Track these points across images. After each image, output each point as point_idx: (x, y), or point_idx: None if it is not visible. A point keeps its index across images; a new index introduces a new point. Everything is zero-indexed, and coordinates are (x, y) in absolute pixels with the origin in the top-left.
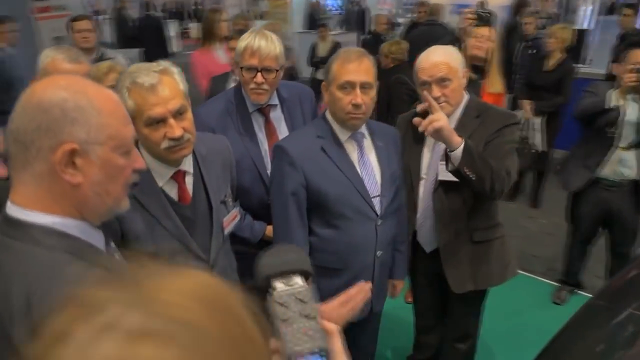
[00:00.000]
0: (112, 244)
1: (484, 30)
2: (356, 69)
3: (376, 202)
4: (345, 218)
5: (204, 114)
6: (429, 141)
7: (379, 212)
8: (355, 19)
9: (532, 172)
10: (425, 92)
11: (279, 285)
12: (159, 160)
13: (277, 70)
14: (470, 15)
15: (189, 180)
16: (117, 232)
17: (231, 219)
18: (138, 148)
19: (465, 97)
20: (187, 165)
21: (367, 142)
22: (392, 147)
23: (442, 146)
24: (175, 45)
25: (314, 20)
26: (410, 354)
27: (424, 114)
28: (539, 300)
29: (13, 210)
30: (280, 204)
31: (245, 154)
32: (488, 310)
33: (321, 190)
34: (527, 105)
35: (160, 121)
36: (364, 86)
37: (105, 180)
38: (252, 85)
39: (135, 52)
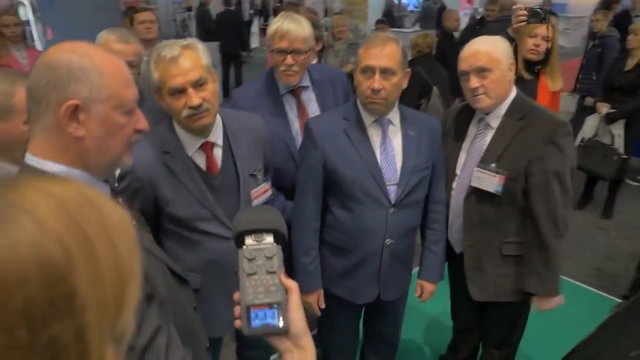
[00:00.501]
0: (120, 200)
1: (541, 29)
2: (378, 53)
3: (392, 190)
4: (357, 201)
5: (238, 96)
6: (470, 134)
7: (392, 200)
8: (435, 16)
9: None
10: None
11: (249, 241)
12: (188, 131)
13: (306, 52)
14: (522, 12)
15: (217, 152)
16: (151, 197)
17: (261, 192)
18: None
19: (512, 94)
20: (215, 137)
21: (394, 129)
22: (426, 138)
23: (480, 146)
24: (257, 41)
25: (391, 18)
26: (444, 354)
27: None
28: (596, 314)
29: (29, 159)
30: (301, 178)
31: (277, 135)
32: (539, 321)
33: (337, 170)
34: (602, 107)
35: (181, 91)
36: (385, 71)
37: (105, 136)
38: (283, 67)
39: (213, 45)
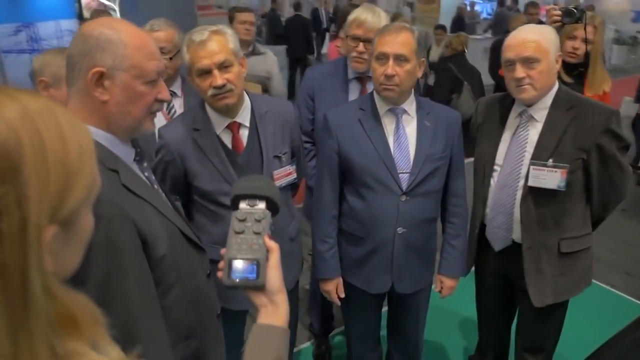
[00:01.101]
0: (145, 164)
1: (580, 31)
2: (392, 40)
3: (404, 178)
4: (369, 188)
5: (311, 72)
6: (510, 127)
7: (404, 188)
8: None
9: None
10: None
11: (243, 205)
12: (216, 111)
13: None
14: (555, 12)
15: (243, 132)
16: (181, 170)
17: (284, 174)
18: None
19: (556, 85)
20: (242, 118)
21: (408, 119)
22: (443, 129)
23: (524, 139)
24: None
25: (462, 24)
26: (472, 354)
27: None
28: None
29: None
30: (318, 167)
31: None
32: (569, 326)
33: (350, 158)
34: None
35: (207, 72)
36: (399, 58)
37: (127, 102)
38: (354, 54)
39: (281, 48)
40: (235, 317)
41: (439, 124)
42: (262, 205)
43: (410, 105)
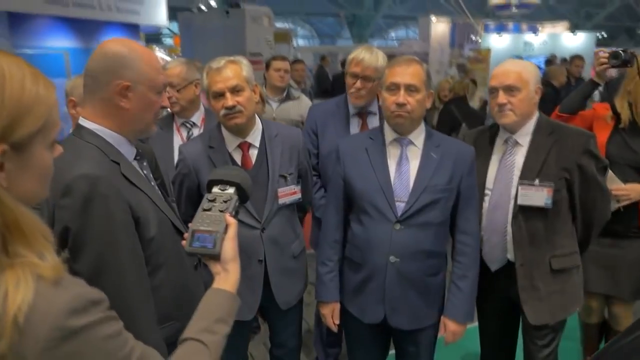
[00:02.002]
0: (145, 163)
1: (631, 75)
2: (402, 71)
3: (400, 206)
4: (367, 214)
5: (314, 109)
6: (497, 153)
7: (398, 216)
8: None
9: None
10: None
11: (215, 189)
12: (229, 131)
13: (374, 80)
14: (602, 54)
15: (253, 152)
16: (195, 182)
17: (289, 192)
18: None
19: (537, 114)
20: (253, 139)
21: (414, 149)
22: (450, 161)
23: (511, 163)
24: None
25: None
26: None
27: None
28: None
29: (81, 120)
30: (328, 190)
31: (335, 150)
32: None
33: (352, 183)
34: None
35: (221, 94)
36: (409, 88)
37: (143, 109)
38: (352, 90)
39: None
40: (235, 328)
41: (447, 157)
42: (231, 190)
43: (418, 136)
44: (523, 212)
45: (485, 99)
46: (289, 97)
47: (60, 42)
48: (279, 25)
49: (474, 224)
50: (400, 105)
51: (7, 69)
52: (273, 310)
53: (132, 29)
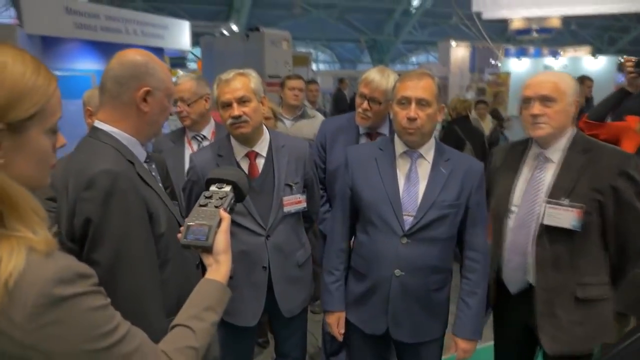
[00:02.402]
0: (153, 166)
1: None
2: (414, 85)
3: (408, 220)
4: (374, 226)
5: (326, 123)
6: (526, 169)
7: (406, 230)
8: None
9: None
10: None
11: (212, 187)
12: (237, 140)
13: (381, 103)
14: (628, 63)
15: (260, 161)
16: (203, 188)
17: (294, 201)
18: None
19: (572, 130)
20: (260, 148)
21: (424, 163)
22: (459, 177)
23: (540, 180)
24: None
25: None
26: None
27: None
28: None
29: (97, 123)
30: (335, 200)
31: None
32: None
33: (359, 193)
34: None
35: (228, 104)
36: (420, 102)
37: (158, 113)
38: (360, 110)
39: None
40: (240, 333)
41: (456, 172)
42: (227, 188)
43: (428, 150)
44: (548, 232)
45: (497, 120)
46: (303, 116)
47: (87, 65)
48: (300, 49)
49: (482, 240)
50: (412, 119)
51: (11, 60)
52: (277, 318)
53: (157, 52)
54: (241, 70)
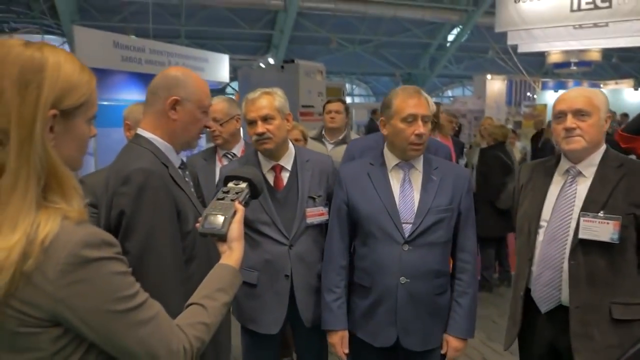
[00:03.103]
0: (187, 172)
1: None
2: (417, 103)
3: (407, 228)
4: (374, 237)
5: (353, 143)
6: (556, 183)
7: (406, 237)
8: None
9: None
10: None
11: (230, 184)
12: (263, 154)
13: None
14: None
15: (285, 174)
16: None
17: (317, 213)
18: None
19: (604, 146)
20: (285, 162)
21: (415, 172)
22: (449, 182)
23: (572, 194)
24: None
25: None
26: None
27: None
28: None
29: (139, 130)
30: (331, 217)
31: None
32: None
33: (357, 207)
34: None
35: (254, 122)
36: (424, 119)
37: (188, 122)
38: None
39: None
40: (263, 341)
41: (446, 178)
42: (243, 185)
43: (418, 160)
44: (583, 247)
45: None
46: (345, 140)
47: (133, 95)
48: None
49: (472, 242)
50: (420, 135)
51: (63, 60)
52: (299, 329)
53: None
54: (267, 90)
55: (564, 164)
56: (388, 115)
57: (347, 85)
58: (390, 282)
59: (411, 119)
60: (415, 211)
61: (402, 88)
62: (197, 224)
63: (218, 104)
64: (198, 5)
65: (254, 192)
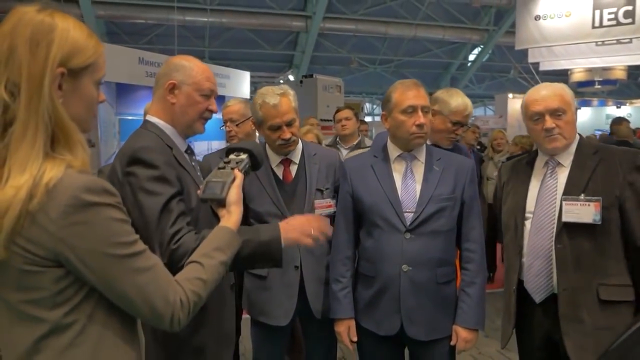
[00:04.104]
0: (194, 157)
1: None
2: (416, 94)
3: (409, 217)
4: (377, 226)
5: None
6: (537, 175)
7: (408, 225)
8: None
9: None
10: None
11: (231, 155)
12: (273, 150)
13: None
14: None
15: (293, 168)
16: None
17: (324, 205)
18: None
19: (577, 135)
20: (294, 156)
21: (418, 163)
22: (452, 172)
23: (554, 183)
24: None
25: None
26: None
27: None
28: None
29: (147, 116)
30: (337, 208)
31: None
32: None
33: (361, 198)
34: None
35: (279, 127)
36: (424, 109)
37: (186, 105)
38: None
39: None
40: (273, 333)
41: (448, 168)
42: (244, 156)
43: (420, 152)
44: (568, 230)
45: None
46: (359, 146)
47: None
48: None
49: (478, 232)
50: (421, 126)
51: (72, 26)
52: (308, 321)
53: (218, 99)
54: (281, 90)
55: (543, 157)
56: (389, 109)
57: (368, 105)
58: (393, 270)
59: (411, 110)
60: (417, 200)
61: (401, 82)
62: (199, 191)
63: (234, 105)
64: (222, 27)
65: (255, 163)
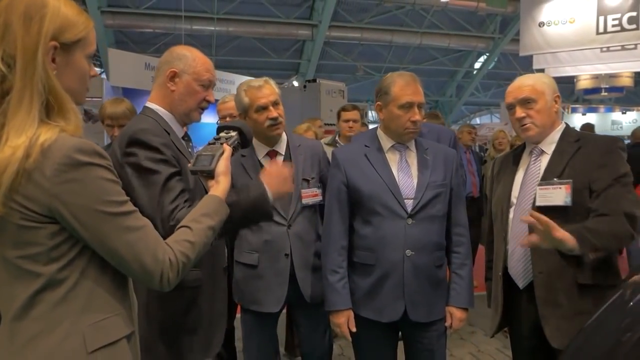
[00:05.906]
0: (191, 144)
1: None
2: (415, 91)
3: (409, 203)
4: (377, 214)
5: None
6: (523, 165)
7: (409, 211)
8: None
9: None
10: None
11: (222, 133)
12: (261, 141)
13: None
14: None
15: (279, 159)
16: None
17: (311, 194)
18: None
19: (562, 124)
20: (279, 148)
21: (410, 152)
22: (441, 161)
23: (537, 170)
24: None
25: None
26: None
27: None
28: None
29: (147, 103)
30: (327, 200)
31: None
32: None
33: (358, 187)
34: None
35: (265, 108)
36: (420, 106)
37: (185, 94)
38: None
39: None
40: (264, 320)
41: (437, 157)
42: (234, 133)
43: (411, 142)
44: (541, 212)
45: None
46: None
47: None
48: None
49: (464, 217)
50: (415, 122)
51: (63, 3)
52: (301, 309)
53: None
54: (264, 79)
55: (529, 147)
56: (385, 101)
57: (374, 113)
58: (396, 256)
59: (408, 106)
60: (415, 187)
61: (399, 74)
62: (189, 164)
63: (232, 101)
64: (228, 36)
65: (244, 140)
